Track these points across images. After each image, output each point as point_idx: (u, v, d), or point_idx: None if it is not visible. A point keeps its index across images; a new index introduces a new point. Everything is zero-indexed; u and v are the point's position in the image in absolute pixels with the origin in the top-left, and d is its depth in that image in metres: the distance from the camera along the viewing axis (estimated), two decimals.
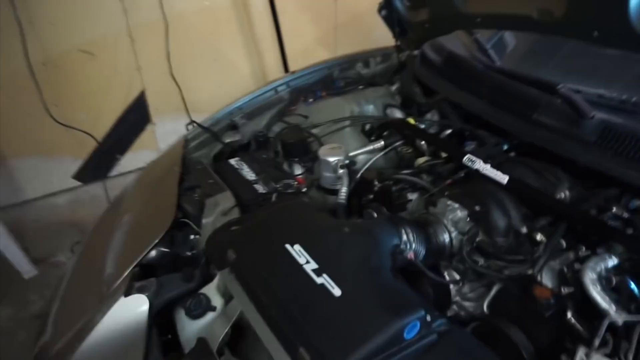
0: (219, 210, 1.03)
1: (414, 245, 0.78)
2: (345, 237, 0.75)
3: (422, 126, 1.22)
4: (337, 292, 0.65)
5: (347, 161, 1.10)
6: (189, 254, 1.00)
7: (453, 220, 0.86)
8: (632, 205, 0.85)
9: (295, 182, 1.09)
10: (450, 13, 1.25)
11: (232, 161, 1.25)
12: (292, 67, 2.60)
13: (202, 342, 0.75)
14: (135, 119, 2.74)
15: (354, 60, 1.64)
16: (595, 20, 0.86)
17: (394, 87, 1.45)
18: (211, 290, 0.85)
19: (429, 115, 1.29)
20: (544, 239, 0.81)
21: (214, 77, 2.89)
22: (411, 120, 1.21)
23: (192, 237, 1.03)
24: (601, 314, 0.70)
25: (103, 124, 2.67)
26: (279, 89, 1.50)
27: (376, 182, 1.04)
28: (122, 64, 2.58)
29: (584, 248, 0.80)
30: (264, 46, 2.99)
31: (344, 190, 1.04)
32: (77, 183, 2.76)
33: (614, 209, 0.83)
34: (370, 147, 1.19)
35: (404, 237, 0.77)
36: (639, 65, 1.05)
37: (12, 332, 1.97)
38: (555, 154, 0.94)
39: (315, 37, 3.16)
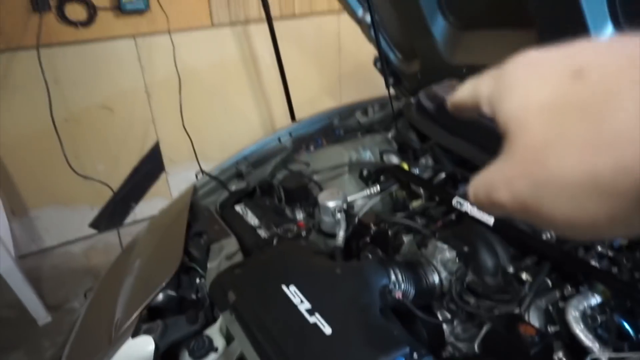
0: (224, 254, 1.09)
1: (402, 285, 0.82)
2: (337, 278, 0.79)
3: (417, 170, 1.28)
4: (327, 330, 0.69)
5: (344, 206, 1.16)
6: (194, 296, 1.04)
7: (442, 261, 0.90)
8: (616, 244, 0.89)
9: (295, 227, 1.14)
10: (439, 64, 1.35)
11: (237, 207, 1.31)
12: (299, 115, 2.72)
13: None
14: (149, 168, 2.87)
15: (354, 109, 1.73)
16: None
17: (390, 134, 1.53)
18: (214, 332, 0.89)
19: (423, 160, 1.35)
20: (529, 278, 0.85)
21: (224, 127, 3.03)
22: (405, 166, 1.27)
23: (197, 280, 1.08)
24: (586, 351, 0.72)
25: (119, 174, 2.79)
26: (283, 138, 1.59)
27: (372, 226, 1.09)
28: (138, 118, 2.73)
29: (569, 287, 0.83)
30: (271, 96, 3.14)
31: (341, 234, 1.09)
32: (93, 231, 2.85)
33: (599, 248, 0.87)
34: (367, 192, 1.25)
35: (393, 278, 0.81)
36: None
37: None
38: None
39: (320, 86, 3.31)
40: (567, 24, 0.88)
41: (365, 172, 1.34)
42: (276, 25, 2.72)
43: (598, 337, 0.74)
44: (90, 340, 1.06)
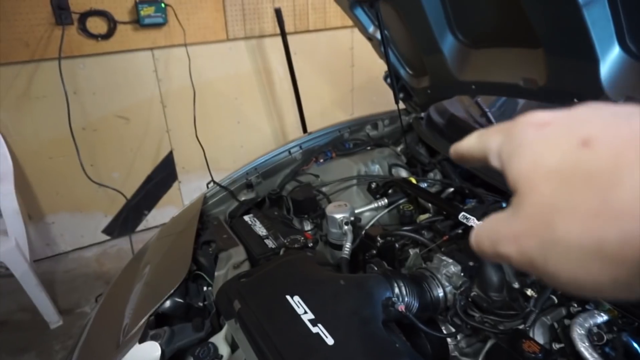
0: (231, 263, 1.10)
1: (406, 299, 0.82)
2: (340, 289, 0.80)
3: (425, 184, 1.29)
4: (330, 341, 0.70)
5: (352, 218, 1.17)
6: (201, 304, 1.06)
7: (447, 275, 0.90)
8: None
9: (302, 238, 1.16)
10: (449, 81, 1.37)
11: (246, 217, 1.33)
12: (310, 127, 2.75)
13: None
14: (162, 177, 2.92)
15: (364, 122, 1.75)
16: (571, 89, 0.94)
17: (399, 148, 1.54)
18: (219, 340, 0.90)
19: (431, 175, 1.36)
20: (535, 294, 0.85)
21: (237, 138, 3.08)
22: (412, 180, 1.28)
23: (205, 288, 1.10)
24: None
25: (133, 181, 2.85)
26: (292, 150, 1.61)
27: (379, 238, 1.10)
28: (153, 127, 2.79)
29: (575, 304, 0.82)
30: (284, 108, 3.18)
31: (347, 246, 1.10)
32: (106, 237, 2.90)
33: None
34: (375, 205, 1.26)
35: (397, 290, 0.82)
36: None
37: None
38: None
39: (332, 99, 3.34)
40: (574, 45, 0.89)
41: (373, 185, 1.35)
42: (290, 38, 2.77)
43: (604, 356, 0.73)
44: (98, 345, 1.08)
